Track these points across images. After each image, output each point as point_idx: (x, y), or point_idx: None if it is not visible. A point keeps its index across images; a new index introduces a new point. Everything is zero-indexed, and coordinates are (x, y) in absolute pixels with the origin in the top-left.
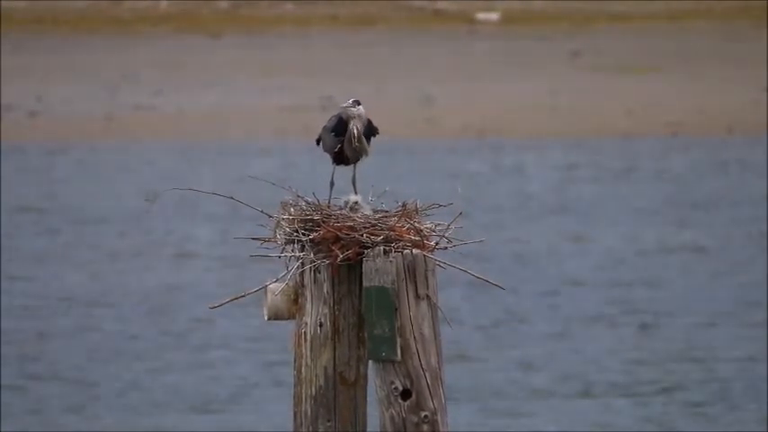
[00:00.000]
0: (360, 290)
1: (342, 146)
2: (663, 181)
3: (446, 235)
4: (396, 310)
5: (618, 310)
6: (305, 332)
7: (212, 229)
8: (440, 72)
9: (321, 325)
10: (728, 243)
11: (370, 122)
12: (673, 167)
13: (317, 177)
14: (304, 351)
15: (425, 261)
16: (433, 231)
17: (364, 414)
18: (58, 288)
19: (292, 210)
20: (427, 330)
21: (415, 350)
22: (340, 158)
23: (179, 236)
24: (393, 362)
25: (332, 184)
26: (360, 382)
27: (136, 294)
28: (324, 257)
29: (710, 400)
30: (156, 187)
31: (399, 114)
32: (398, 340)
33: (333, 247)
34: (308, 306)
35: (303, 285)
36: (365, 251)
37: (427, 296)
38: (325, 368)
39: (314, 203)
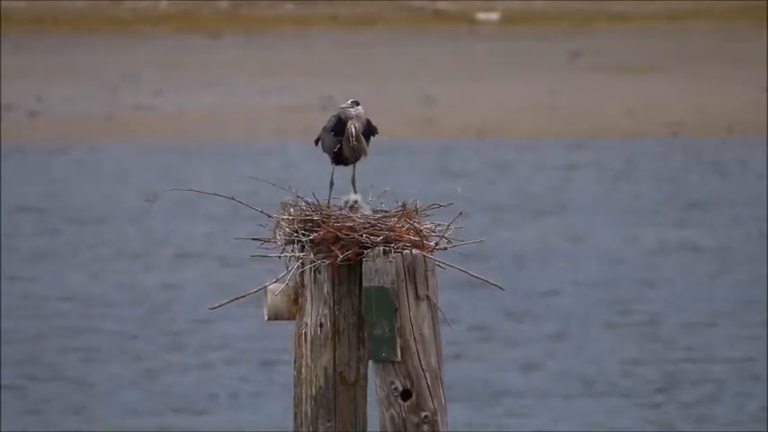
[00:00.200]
0: (360, 290)
1: (341, 146)
2: (663, 181)
3: (446, 235)
4: (396, 310)
5: (618, 310)
6: (305, 332)
7: (212, 229)
8: (440, 72)
9: (321, 325)
10: (728, 243)
11: (369, 122)
12: (673, 167)
13: (316, 177)
14: (304, 351)
15: (425, 261)
16: (433, 232)
17: (364, 414)
18: (58, 288)
19: (292, 210)
20: (427, 331)
21: (415, 350)
22: (339, 158)
23: (179, 236)
24: (393, 362)
25: (331, 184)
26: (360, 383)
27: (136, 294)
28: (324, 258)
29: (710, 399)
30: (155, 187)
31: (399, 114)
32: (398, 340)
33: (333, 248)
34: (308, 306)
35: (303, 286)
36: (365, 251)
37: (427, 296)
38: (326, 368)
39: (314, 204)
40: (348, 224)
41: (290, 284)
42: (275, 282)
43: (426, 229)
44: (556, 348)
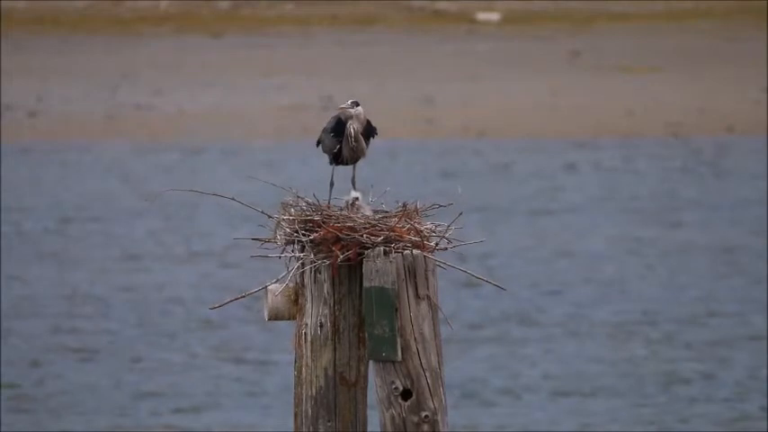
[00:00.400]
0: (360, 290)
1: (340, 146)
2: (662, 181)
3: (446, 235)
4: (396, 310)
5: (618, 310)
6: (305, 333)
7: (212, 229)
8: (440, 72)
9: (321, 325)
10: (728, 243)
11: (369, 123)
12: (673, 167)
13: (316, 177)
14: (304, 351)
15: (425, 261)
16: (433, 232)
17: (365, 414)
18: (57, 288)
19: (292, 210)
20: (427, 330)
21: (415, 350)
22: (339, 159)
23: (179, 236)
24: (393, 362)
25: (332, 184)
26: (360, 383)
27: (135, 294)
28: (324, 258)
29: (710, 399)
30: (155, 187)
31: (399, 114)
32: (399, 340)
33: (333, 248)
34: (309, 306)
35: (303, 286)
36: (365, 251)
37: (427, 296)
38: (326, 369)
39: (314, 204)
40: (348, 224)
41: (291, 285)
42: (275, 282)
43: (427, 229)
44: (554, 348)
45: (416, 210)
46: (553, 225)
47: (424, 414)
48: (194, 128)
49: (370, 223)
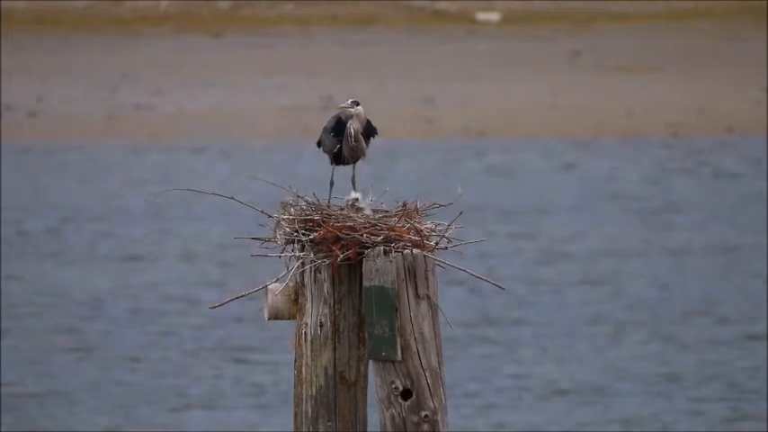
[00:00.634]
0: (360, 290)
1: (340, 146)
2: (662, 181)
3: (446, 235)
4: (396, 309)
5: (617, 309)
6: (305, 332)
7: (212, 229)
8: (440, 72)
9: (321, 325)
10: (728, 243)
11: (369, 122)
12: (673, 167)
13: (316, 177)
14: (304, 351)
15: (425, 261)
16: (433, 231)
17: (365, 414)
18: (57, 288)
19: (292, 210)
20: (427, 330)
21: (415, 350)
22: (339, 159)
23: (179, 236)
24: (393, 362)
25: (332, 183)
26: (360, 382)
27: (135, 294)
28: (324, 257)
29: (710, 399)
30: (155, 187)
31: (399, 114)
32: (399, 340)
33: (333, 247)
34: (309, 306)
35: (303, 285)
36: (365, 251)
37: (427, 296)
38: (326, 368)
39: (314, 203)
40: (348, 224)
41: (291, 284)
42: (275, 281)
43: (427, 228)
44: (552, 348)
45: (416, 209)
46: (553, 225)
47: (423, 414)
48: (194, 128)
49: (370, 223)
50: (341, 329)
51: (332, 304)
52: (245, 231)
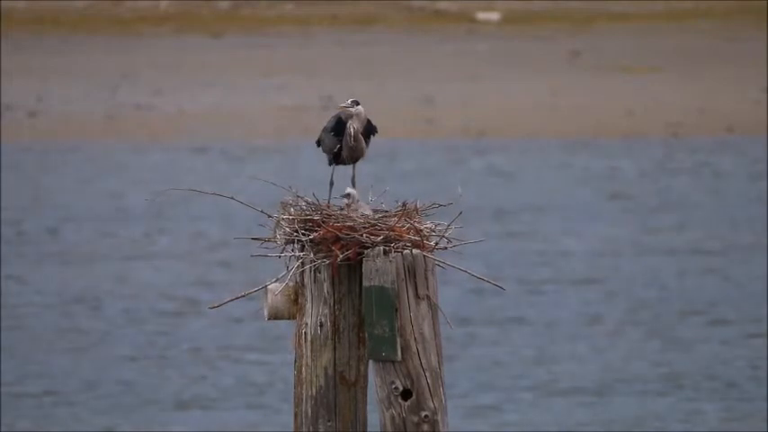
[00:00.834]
0: (360, 290)
1: (340, 146)
2: (662, 181)
3: (446, 235)
4: (396, 310)
5: (617, 309)
6: (305, 332)
7: (212, 229)
8: (440, 72)
9: (321, 325)
10: (728, 243)
11: (369, 122)
12: (673, 167)
13: (316, 177)
14: (304, 351)
15: (425, 261)
16: (433, 231)
17: (364, 414)
18: (56, 288)
19: (292, 210)
20: (427, 330)
21: (415, 350)
22: (339, 158)
23: (179, 236)
24: (393, 362)
25: (331, 183)
26: (360, 382)
27: (135, 294)
28: (324, 257)
29: (710, 399)
30: (155, 187)
31: (399, 114)
32: (399, 340)
33: (333, 247)
34: (309, 306)
35: (303, 285)
36: (365, 251)
37: (427, 296)
38: (326, 368)
39: (314, 203)
40: (348, 224)
41: (291, 284)
42: (275, 281)
43: (426, 228)
44: (552, 348)
45: (416, 209)
46: (552, 225)
47: (423, 414)
48: (194, 128)
49: (369, 223)
50: (341, 329)
51: (332, 304)
52: (245, 231)
